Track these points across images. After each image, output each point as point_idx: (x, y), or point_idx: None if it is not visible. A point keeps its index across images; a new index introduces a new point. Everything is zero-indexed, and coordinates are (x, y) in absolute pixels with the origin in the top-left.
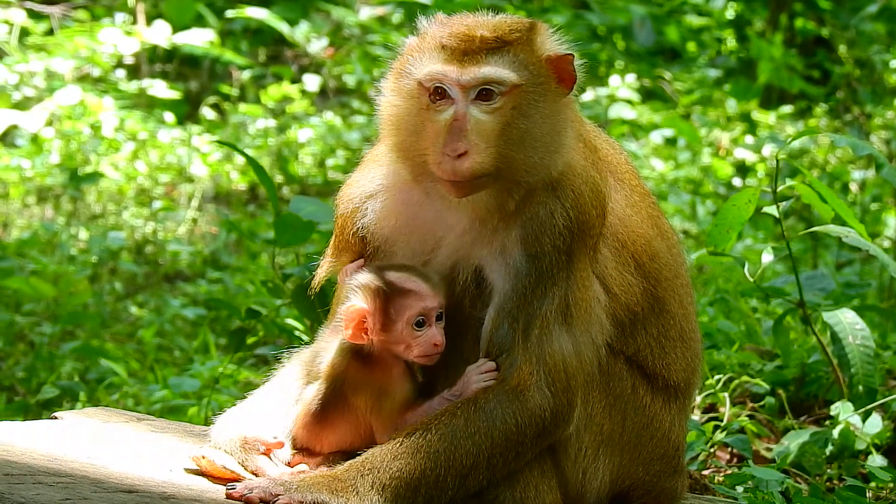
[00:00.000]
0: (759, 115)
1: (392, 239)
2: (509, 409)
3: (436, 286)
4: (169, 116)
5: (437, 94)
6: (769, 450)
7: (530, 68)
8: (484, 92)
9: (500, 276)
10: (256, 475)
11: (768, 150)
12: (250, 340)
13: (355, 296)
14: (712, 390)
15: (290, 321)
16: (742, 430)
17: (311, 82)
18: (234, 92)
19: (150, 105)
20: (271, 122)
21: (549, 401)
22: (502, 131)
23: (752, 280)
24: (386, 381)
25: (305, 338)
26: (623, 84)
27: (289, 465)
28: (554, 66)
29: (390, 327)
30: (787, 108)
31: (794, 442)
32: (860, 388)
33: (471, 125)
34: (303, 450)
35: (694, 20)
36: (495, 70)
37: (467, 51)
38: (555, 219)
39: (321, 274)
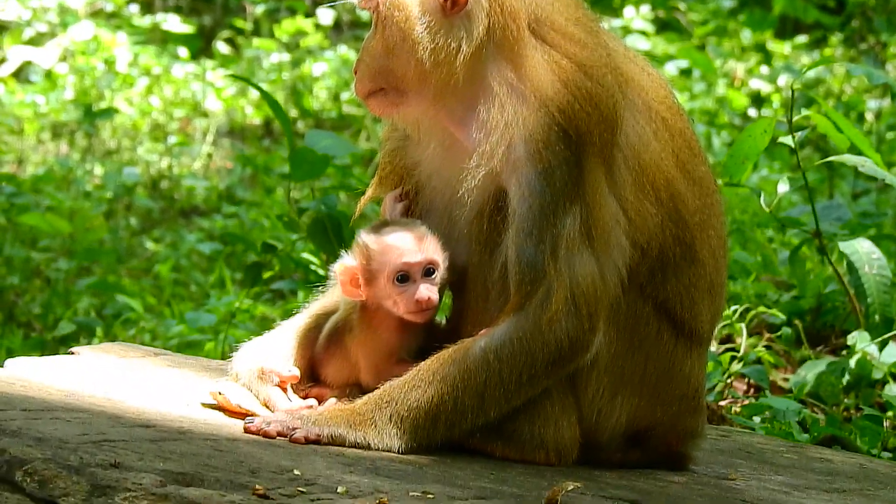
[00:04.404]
0: (773, 46)
1: (426, 171)
2: (535, 334)
3: (424, 241)
4: (183, 51)
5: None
6: (786, 380)
7: None
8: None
9: (516, 197)
10: (268, 407)
11: (783, 80)
12: (266, 275)
13: (348, 254)
14: (729, 321)
15: (306, 255)
16: (759, 361)
17: (325, 16)
18: (248, 26)
19: (163, 40)
20: (285, 57)
21: (574, 325)
22: (383, 46)
23: (768, 210)
24: (379, 330)
25: (321, 272)
26: (637, 15)
27: (306, 397)
28: None
29: (374, 282)
30: (801, 38)
31: (810, 372)
32: (877, 317)
33: (364, 45)
34: (320, 382)
35: None
36: None
37: None
38: (538, 127)
39: (364, 200)
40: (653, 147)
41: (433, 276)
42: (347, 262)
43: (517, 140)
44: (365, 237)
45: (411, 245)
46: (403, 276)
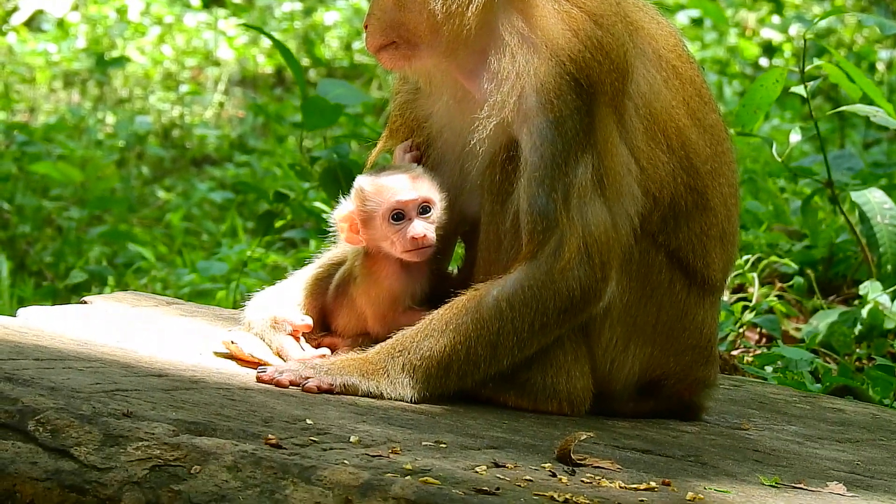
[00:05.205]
0: None
1: (438, 124)
2: (547, 282)
3: (417, 180)
4: (195, 0)
5: None
6: (798, 330)
7: None
8: None
9: (528, 147)
10: (280, 356)
11: (795, 29)
12: (278, 224)
13: (346, 200)
14: (741, 271)
15: (318, 204)
16: (771, 311)
17: None
18: None
19: None
20: (297, 5)
21: (587, 274)
22: (395, 0)
23: (779, 160)
24: (380, 277)
25: None
26: None
27: (318, 346)
28: None
29: (370, 224)
30: None
31: (822, 322)
32: (889, 267)
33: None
34: (333, 331)
35: None
36: None
37: None
38: (549, 76)
39: (375, 152)
40: (663, 95)
41: (428, 215)
42: (346, 207)
43: (528, 90)
44: (360, 181)
45: (404, 184)
46: (398, 215)
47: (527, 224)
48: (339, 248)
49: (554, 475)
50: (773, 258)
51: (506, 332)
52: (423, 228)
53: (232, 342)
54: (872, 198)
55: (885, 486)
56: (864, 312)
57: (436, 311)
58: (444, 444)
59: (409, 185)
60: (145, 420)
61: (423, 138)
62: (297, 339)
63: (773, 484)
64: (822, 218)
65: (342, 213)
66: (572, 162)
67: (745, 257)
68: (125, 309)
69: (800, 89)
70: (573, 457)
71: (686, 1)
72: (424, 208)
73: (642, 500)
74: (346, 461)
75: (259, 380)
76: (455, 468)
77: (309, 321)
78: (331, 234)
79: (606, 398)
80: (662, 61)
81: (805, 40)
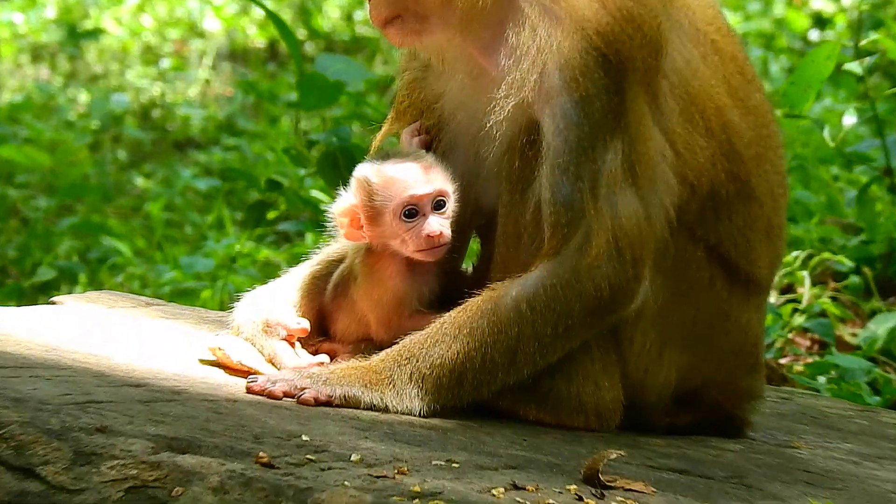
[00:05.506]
0: None
1: (450, 105)
2: (573, 281)
3: (431, 171)
4: None
5: None
6: (854, 335)
7: None
8: None
9: (551, 130)
10: (273, 363)
11: None
12: (271, 215)
13: (347, 191)
14: (790, 269)
15: (316, 193)
16: (823, 314)
17: None
18: None
19: None
20: None
21: (617, 272)
22: None
23: (832, 145)
24: (384, 277)
25: None
26: None
27: (316, 352)
28: None
29: (378, 220)
30: None
31: (882, 326)
32: None
33: None
34: (331, 337)
35: None
36: None
37: None
38: (573, 52)
39: (379, 136)
40: (702, 73)
41: (443, 210)
42: (347, 200)
43: (551, 67)
44: (365, 171)
45: (418, 176)
46: (411, 211)
47: (549, 216)
48: (339, 244)
49: (580, 499)
50: (826, 254)
51: (526, 338)
52: (440, 225)
53: (219, 348)
54: None
55: None
56: None
57: (447, 314)
58: (457, 463)
59: (422, 178)
60: (121, 436)
61: (434, 121)
62: (292, 344)
63: None
64: (880, 209)
65: (343, 206)
66: (600, 147)
67: (794, 253)
68: (99, 310)
69: (855, 66)
70: (602, 478)
71: None
72: (439, 203)
73: None
74: (346, 482)
75: (249, 390)
76: (469, 491)
77: (305, 325)
78: (329, 227)
79: (639, 411)
80: (700, 35)
81: (860, 11)
